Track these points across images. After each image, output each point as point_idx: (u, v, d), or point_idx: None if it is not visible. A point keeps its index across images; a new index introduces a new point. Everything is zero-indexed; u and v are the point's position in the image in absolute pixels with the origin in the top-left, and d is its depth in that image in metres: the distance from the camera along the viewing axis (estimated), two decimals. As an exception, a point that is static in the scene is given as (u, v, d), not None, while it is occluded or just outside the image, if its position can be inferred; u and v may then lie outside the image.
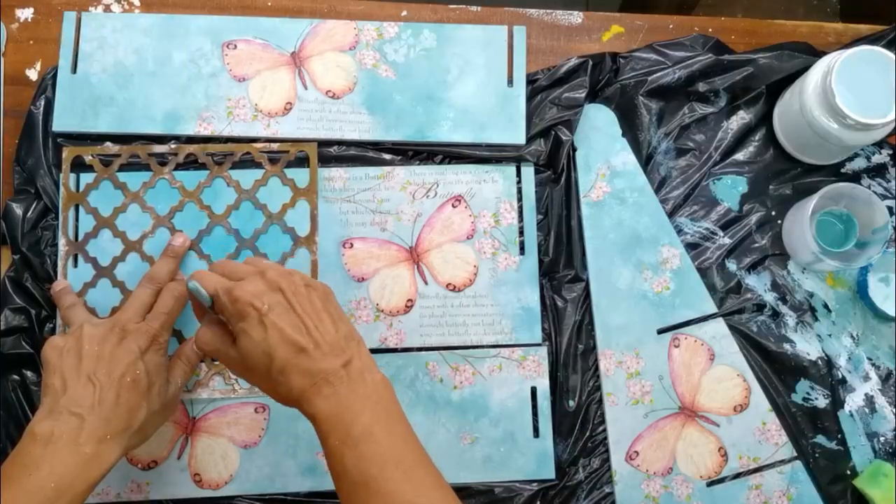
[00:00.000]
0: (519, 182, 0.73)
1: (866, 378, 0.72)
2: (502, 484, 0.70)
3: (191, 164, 0.72)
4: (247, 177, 0.72)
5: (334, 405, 0.52)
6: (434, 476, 0.53)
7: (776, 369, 0.72)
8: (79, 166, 0.71)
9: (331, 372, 0.53)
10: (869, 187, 0.74)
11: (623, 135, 0.74)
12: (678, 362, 0.72)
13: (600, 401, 0.72)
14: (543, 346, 0.71)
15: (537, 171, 0.74)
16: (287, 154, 0.72)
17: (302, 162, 0.72)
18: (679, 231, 0.74)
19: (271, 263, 0.58)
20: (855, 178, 0.75)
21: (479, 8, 0.76)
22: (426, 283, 0.72)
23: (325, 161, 0.73)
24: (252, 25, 0.74)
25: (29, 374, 0.68)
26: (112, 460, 0.57)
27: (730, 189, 0.75)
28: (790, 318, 0.73)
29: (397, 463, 0.51)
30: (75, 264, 0.70)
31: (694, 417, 0.71)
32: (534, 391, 0.71)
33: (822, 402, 0.72)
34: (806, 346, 0.72)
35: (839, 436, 0.71)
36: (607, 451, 0.71)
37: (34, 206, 0.70)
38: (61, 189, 0.70)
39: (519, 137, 0.73)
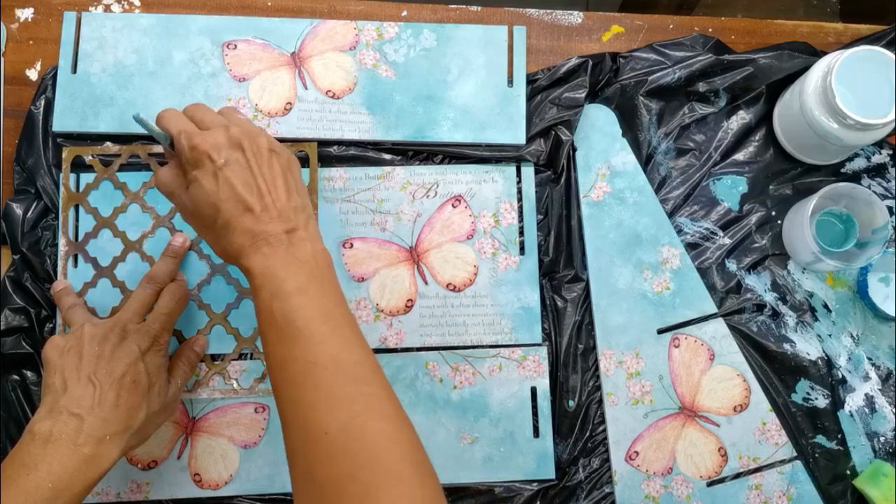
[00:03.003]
0: (519, 182, 0.73)
1: (866, 378, 0.72)
2: (502, 484, 0.70)
3: (191, 164, 0.72)
4: (247, 177, 0.71)
5: (272, 263, 0.53)
6: (359, 336, 0.53)
7: (776, 369, 0.72)
8: (79, 166, 0.71)
9: (272, 235, 0.54)
10: (869, 187, 0.74)
11: (623, 135, 0.74)
12: (678, 362, 0.72)
13: (600, 401, 0.72)
14: (543, 346, 0.71)
15: (537, 171, 0.74)
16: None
17: (302, 162, 0.72)
18: (679, 231, 0.74)
19: (243, 120, 0.58)
20: (855, 178, 0.75)
21: (479, 8, 0.76)
22: (426, 283, 0.72)
23: (325, 161, 0.73)
24: (252, 25, 0.74)
25: (29, 374, 0.68)
26: (111, 461, 0.57)
27: (730, 189, 0.75)
28: (790, 318, 0.73)
29: (325, 318, 0.52)
30: (75, 264, 0.70)
31: (694, 417, 0.71)
32: (534, 391, 0.71)
33: (822, 401, 0.72)
34: (806, 346, 0.72)
35: (839, 436, 0.71)
36: (607, 451, 0.71)
37: (34, 206, 0.70)
38: (61, 189, 0.70)
39: (519, 137, 0.73)
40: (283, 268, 0.53)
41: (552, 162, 0.74)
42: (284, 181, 0.56)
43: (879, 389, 0.72)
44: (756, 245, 0.74)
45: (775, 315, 0.73)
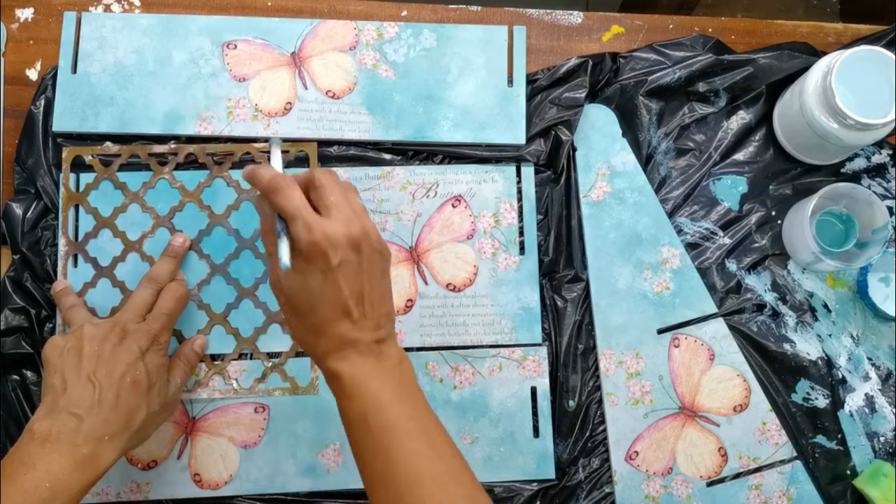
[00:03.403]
0: (519, 182, 0.73)
1: (866, 378, 0.72)
2: (502, 484, 0.70)
3: (191, 164, 0.72)
4: (247, 177, 0.71)
5: (361, 372, 0.52)
6: (452, 445, 0.53)
7: (776, 369, 0.72)
8: (79, 166, 0.71)
9: (364, 343, 0.53)
10: (869, 187, 0.74)
11: (623, 135, 0.74)
12: (678, 362, 0.72)
13: (600, 401, 0.71)
14: (543, 346, 0.71)
15: (537, 171, 0.74)
16: (287, 154, 0.72)
17: (302, 162, 0.72)
18: (679, 231, 0.74)
19: (361, 210, 0.55)
20: (855, 178, 0.75)
21: (479, 8, 0.76)
22: (426, 283, 0.72)
23: (325, 161, 0.73)
24: (252, 25, 0.74)
25: (29, 374, 0.68)
26: (109, 461, 0.57)
27: (730, 189, 0.75)
28: (790, 318, 0.73)
29: (421, 431, 0.52)
30: (75, 264, 0.70)
31: (694, 417, 0.71)
32: (534, 391, 0.71)
33: (822, 402, 0.72)
34: (806, 346, 0.72)
35: (839, 436, 0.71)
36: (607, 451, 0.71)
37: (34, 206, 0.70)
38: (61, 189, 0.70)
39: (519, 137, 0.73)
40: (375, 378, 0.52)
41: (552, 162, 0.74)
42: (381, 286, 0.54)
43: (879, 389, 0.72)
44: (756, 245, 0.74)
45: (775, 315, 0.73)
